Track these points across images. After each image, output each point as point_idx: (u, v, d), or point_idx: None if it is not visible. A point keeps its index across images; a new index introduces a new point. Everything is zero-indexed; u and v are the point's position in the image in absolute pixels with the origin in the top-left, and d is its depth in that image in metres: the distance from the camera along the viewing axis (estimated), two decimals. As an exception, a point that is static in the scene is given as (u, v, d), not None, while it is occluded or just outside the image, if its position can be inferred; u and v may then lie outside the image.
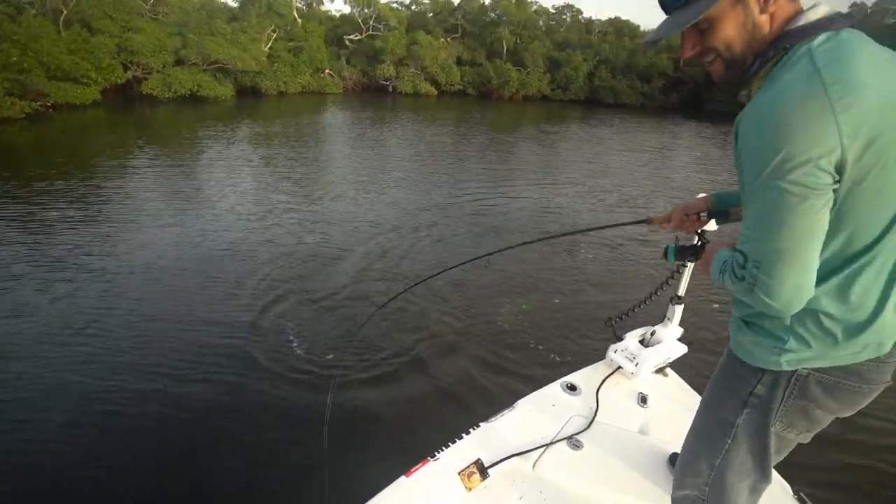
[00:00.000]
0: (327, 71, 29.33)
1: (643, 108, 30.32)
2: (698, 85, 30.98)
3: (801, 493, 1.72)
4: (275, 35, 27.15)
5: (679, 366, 2.26)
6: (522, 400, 2.02)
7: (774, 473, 1.78)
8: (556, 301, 5.29)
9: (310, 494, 2.72)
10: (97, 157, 10.51)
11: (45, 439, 3.08)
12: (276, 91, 25.72)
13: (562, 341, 4.48)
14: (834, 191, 0.85)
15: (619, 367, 2.24)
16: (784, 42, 0.89)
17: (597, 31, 36.79)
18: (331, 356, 4.02)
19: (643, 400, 2.15)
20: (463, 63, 32.80)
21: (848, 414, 1.12)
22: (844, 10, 0.91)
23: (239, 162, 10.96)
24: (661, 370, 2.34)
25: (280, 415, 3.40)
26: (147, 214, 7.20)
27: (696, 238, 1.49)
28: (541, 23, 35.29)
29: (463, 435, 1.79)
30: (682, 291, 2.17)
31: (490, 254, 2.14)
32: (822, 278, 0.94)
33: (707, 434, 1.26)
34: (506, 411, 1.95)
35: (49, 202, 7.36)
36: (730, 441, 1.19)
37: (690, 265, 2.06)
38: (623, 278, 6.07)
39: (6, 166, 9.24)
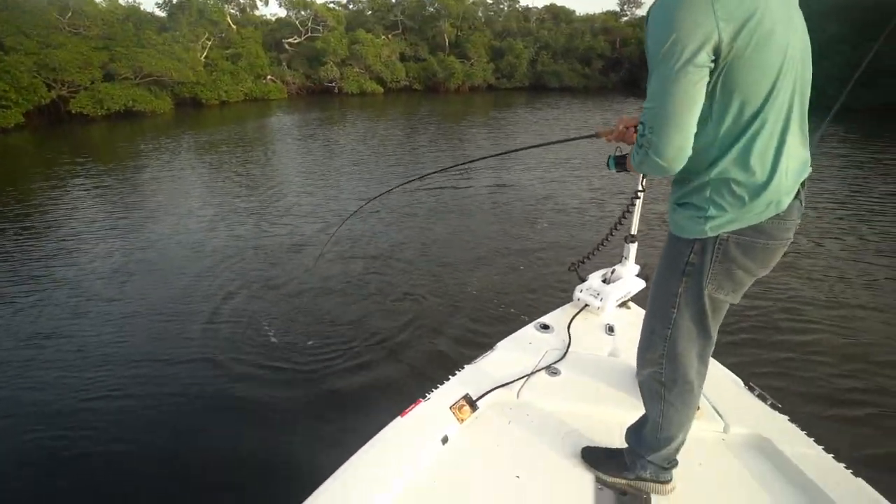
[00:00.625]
0: (269, 77, 28.64)
1: (586, 90, 31.26)
2: (634, 65, 32.25)
3: (751, 383, 1.91)
4: (210, 43, 26.28)
5: (640, 300, 2.41)
6: (501, 342, 2.16)
7: (726, 370, 2.00)
8: (522, 260, 5.52)
9: (306, 448, 2.79)
10: (30, 180, 9.91)
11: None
12: (218, 101, 24.93)
13: (532, 295, 4.67)
14: (714, 67, 1.03)
15: (586, 305, 2.43)
16: None
17: (535, 18, 37.61)
18: (312, 336, 4.02)
19: (610, 329, 2.32)
20: (407, 59, 32.83)
21: (763, 272, 1.28)
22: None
23: (185, 171, 10.60)
24: (623, 304, 2.53)
25: (271, 379, 3.42)
26: (96, 226, 6.88)
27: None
28: (480, 14, 35.74)
29: (450, 377, 1.90)
30: (634, 230, 2.37)
31: (426, 174, 2.22)
32: (726, 149, 1.12)
33: (657, 310, 1.41)
34: (487, 353, 2.09)
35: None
36: (675, 311, 1.34)
37: (638, 206, 2.28)
38: (581, 231, 6.50)
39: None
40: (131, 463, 2.83)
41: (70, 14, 21.23)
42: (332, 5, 33.75)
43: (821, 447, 1.59)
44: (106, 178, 9.86)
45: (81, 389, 3.44)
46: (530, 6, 38.51)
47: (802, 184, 1.20)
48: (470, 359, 2.03)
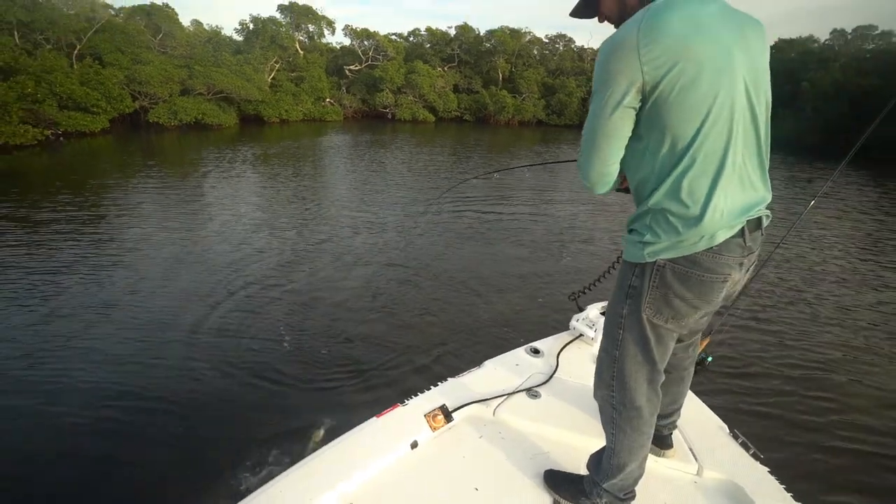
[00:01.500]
0: (328, 99, 30.33)
1: (636, 130, 31.00)
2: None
3: (736, 431, 1.90)
4: (278, 66, 28.25)
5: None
6: (489, 360, 2.20)
7: (712, 414, 2.00)
8: (530, 286, 5.65)
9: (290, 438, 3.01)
10: (105, 178, 10.97)
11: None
12: (279, 119, 26.62)
13: (532, 323, 4.76)
14: (642, 106, 1.15)
15: (581, 335, 2.45)
16: (647, 3, 1.21)
17: (589, 58, 38.03)
18: (325, 341, 4.29)
19: None
20: (460, 90, 33.87)
21: (706, 307, 1.31)
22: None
23: (240, 178, 11.42)
24: None
25: (273, 379, 3.67)
26: (153, 226, 7.56)
27: None
28: (535, 51, 36.56)
29: (431, 387, 1.95)
30: None
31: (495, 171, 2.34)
32: (660, 181, 1.20)
33: (608, 330, 1.46)
34: (474, 368, 2.13)
35: (64, 217, 7.74)
36: (622, 332, 1.38)
37: None
38: (588, 263, 6.60)
39: (25, 186, 9.70)
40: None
41: (161, 35, 23.54)
42: (394, 37, 35.52)
43: (799, 503, 1.55)
44: (167, 181, 10.79)
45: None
46: (585, 46, 38.88)
47: (758, 223, 1.26)
48: (456, 372, 2.07)
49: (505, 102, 32.00)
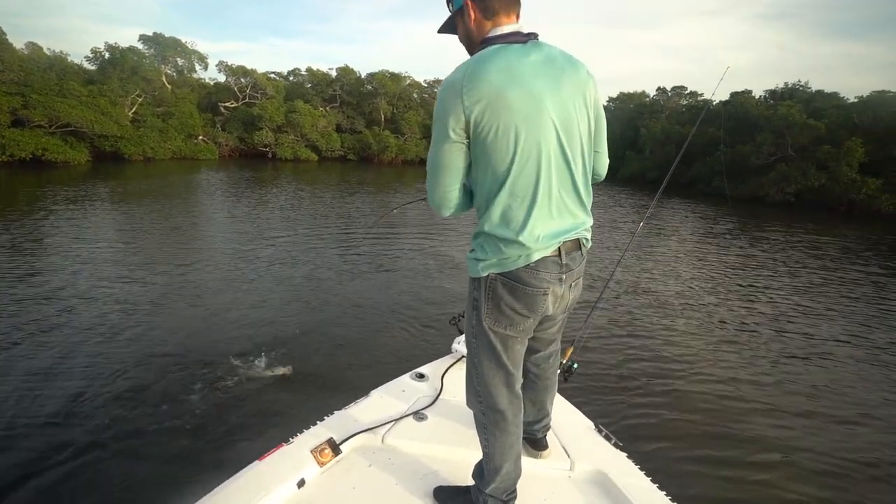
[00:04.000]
0: (201, 137, 28.45)
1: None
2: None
3: (600, 425, 2.10)
4: (140, 100, 25.92)
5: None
6: (375, 389, 2.22)
7: (581, 415, 2.20)
8: (405, 314, 5.71)
9: (168, 487, 2.71)
10: None
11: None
12: (142, 156, 24.23)
13: (414, 349, 4.83)
14: (469, 144, 1.31)
15: (463, 356, 2.50)
16: (484, 45, 1.40)
17: (465, 104, 40.90)
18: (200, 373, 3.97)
19: None
20: (343, 130, 34.05)
21: (533, 315, 1.46)
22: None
23: (91, 224, 10.13)
24: None
25: (153, 415, 3.29)
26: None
27: None
28: (415, 95, 38.37)
29: (317, 421, 1.91)
30: None
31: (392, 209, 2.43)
32: (487, 207, 1.36)
33: (467, 342, 1.59)
34: (361, 399, 2.13)
35: None
36: (475, 341, 1.52)
37: None
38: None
39: None
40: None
41: (-16, 58, 20.34)
42: (272, 76, 34.83)
43: (649, 478, 1.76)
44: (-2, 222, 9.19)
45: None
46: (462, 94, 41.77)
47: (577, 244, 1.44)
48: (343, 404, 2.05)
49: (388, 142, 32.88)
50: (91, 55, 26.13)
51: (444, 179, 1.38)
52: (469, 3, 1.39)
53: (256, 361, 4.22)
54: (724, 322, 6.15)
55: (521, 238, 1.33)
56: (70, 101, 21.08)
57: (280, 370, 4.08)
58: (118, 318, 5.04)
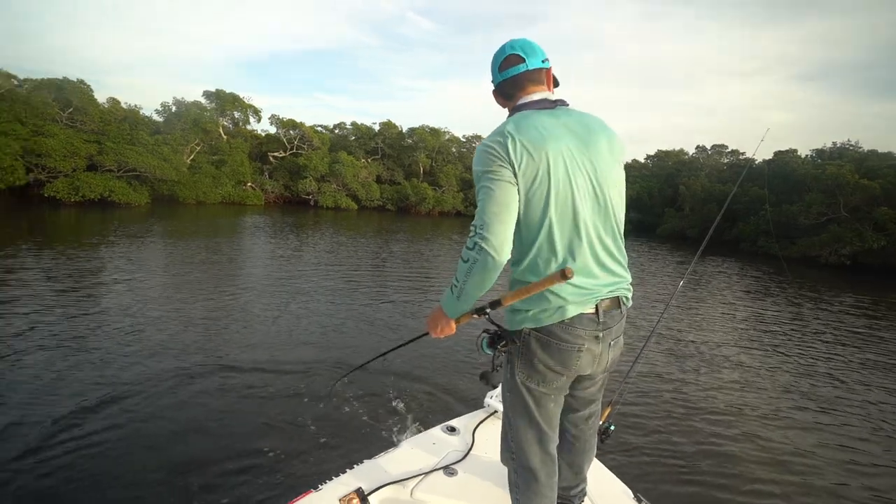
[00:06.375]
0: (249, 184, 30.13)
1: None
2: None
3: (639, 494, 2.00)
4: (199, 148, 27.94)
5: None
6: (406, 440, 2.21)
7: (618, 481, 2.11)
8: (436, 365, 5.56)
9: None
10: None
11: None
12: (195, 200, 25.82)
13: (444, 401, 4.66)
14: (517, 186, 1.32)
15: (496, 411, 2.49)
16: (515, 112, 1.50)
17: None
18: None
19: None
20: (382, 181, 35.32)
21: (567, 372, 1.44)
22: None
23: (142, 254, 10.72)
24: None
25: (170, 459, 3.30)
26: (34, 305, 6.79)
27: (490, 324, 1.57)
28: (453, 149, 39.64)
29: (347, 469, 1.90)
30: None
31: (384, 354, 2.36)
32: (521, 261, 1.39)
33: (503, 396, 1.59)
34: (390, 449, 2.10)
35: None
36: (509, 395, 1.52)
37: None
38: None
39: None
40: None
41: (71, 109, 22.60)
42: (319, 128, 36.95)
43: None
44: (55, 259, 9.85)
45: None
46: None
47: (616, 301, 1.44)
48: (372, 454, 2.02)
49: (426, 194, 33.75)
50: (160, 108, 28.64)
51: (507, 217, 1.31)
52: (493, 92, 1.59)
53: (285, 403, 4.22)
54: (777, 387, 5.73)
55: (553, 293, 1.34)
56: (137, 149, 22.99)
57: (308, 415, 4.05)
58: (154, 340, 5.19)
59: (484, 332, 1.51)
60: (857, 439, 4.64)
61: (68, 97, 22.44)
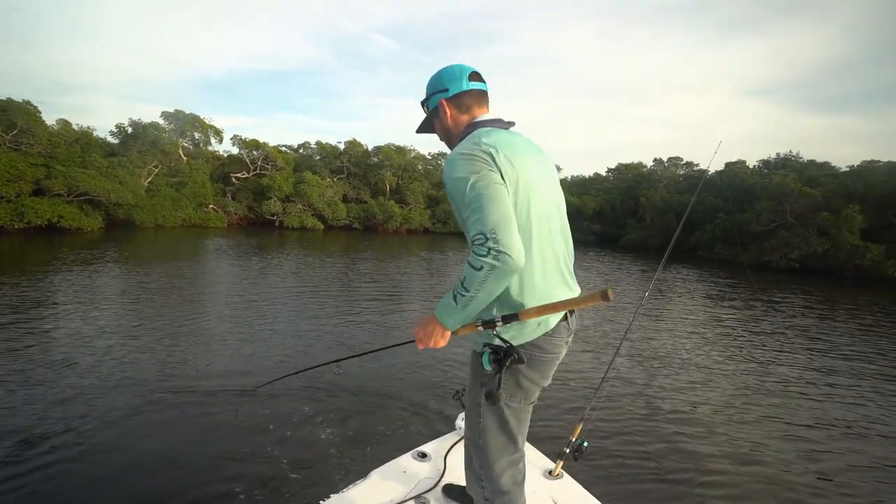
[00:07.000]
0: (211, 206, 29.32)
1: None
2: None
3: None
4: (157, 170, 27.03)
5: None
6: (376, 470, 2.13)
7: (592, 498, 2.08)
8: (405, 385, 5.44)
9: None
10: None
11: None
12: (153, 223, 24.87)
13: (415, 424, 4.53)
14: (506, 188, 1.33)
15: None
16: (470, 129, 1.49)
17: (468, 175, 42.25)
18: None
19: None
20: (349, 200, 35.04)
21: (544, 382, 1.48)
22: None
23: (98, 285, 10.20)
24: None
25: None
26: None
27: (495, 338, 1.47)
28: (419, 167, 39.83)
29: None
30: None
31: (339, 360, 2.37)
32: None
33: (469, 423, 1.55)
34: (360, 480, 2.04)
35: None
36: (482, 419, 1.48)
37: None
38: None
39: None
40: None
41: (16, 131, 21.49)
42: (284, 148, 36.46)
43: None
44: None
45: None
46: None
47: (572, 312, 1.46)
48: (340, 487, 1.97)
49: (393, 212, 33.66)
50: (115, 129, 27.57)
51: (513, 219, 1.25)
52: (444, 101, 1.51)
53: (248, 439, 4.03)
54: (747, 392, 5.90)
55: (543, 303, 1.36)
56: (90, 172, 22.00)
57: (272, 444, 3.89)
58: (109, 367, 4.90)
59: (486, 346, 1.42)
60: (803, 426, 4.90)
61: (12, 118, 21.31)
